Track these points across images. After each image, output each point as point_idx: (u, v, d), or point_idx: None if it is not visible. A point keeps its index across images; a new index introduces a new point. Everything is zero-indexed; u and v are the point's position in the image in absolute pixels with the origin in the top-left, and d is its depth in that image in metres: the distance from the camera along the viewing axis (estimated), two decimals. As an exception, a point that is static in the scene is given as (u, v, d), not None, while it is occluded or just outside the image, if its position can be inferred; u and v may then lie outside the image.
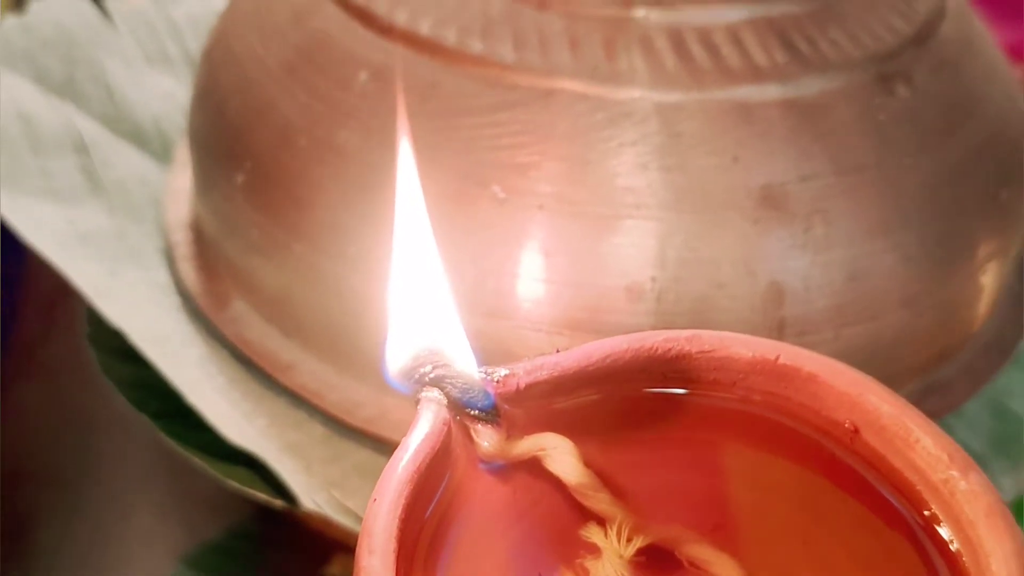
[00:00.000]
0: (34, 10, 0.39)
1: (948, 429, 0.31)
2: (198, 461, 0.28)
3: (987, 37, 0.33)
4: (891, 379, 0.20)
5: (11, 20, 0.38)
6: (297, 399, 0.29)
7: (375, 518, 0.17)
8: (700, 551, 0.19)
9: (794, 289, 0.26)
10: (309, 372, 0.29)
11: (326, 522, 0.30)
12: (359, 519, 0.27)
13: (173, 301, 0.32)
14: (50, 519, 0.55)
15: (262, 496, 0.27)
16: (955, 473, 0.18)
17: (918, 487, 0.18)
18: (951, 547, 0.18)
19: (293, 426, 0.29)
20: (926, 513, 0.18)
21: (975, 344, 0.31)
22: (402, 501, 0.18)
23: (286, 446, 0.28)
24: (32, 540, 0.54)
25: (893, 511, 0.19)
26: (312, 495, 0.27)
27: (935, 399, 0.29)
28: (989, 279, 0.30)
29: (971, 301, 0.30)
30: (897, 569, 0.18)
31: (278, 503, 0.27)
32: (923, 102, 0.28)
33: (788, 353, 0.20)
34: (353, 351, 0.28)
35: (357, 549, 0.17)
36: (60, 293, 0.66)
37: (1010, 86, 0.32)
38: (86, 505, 0.56)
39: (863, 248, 0.27)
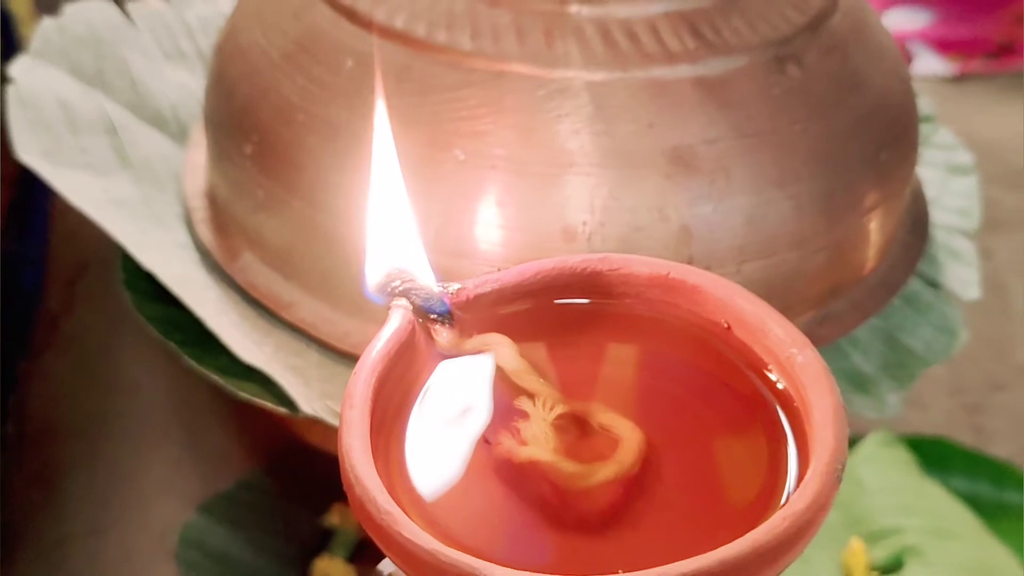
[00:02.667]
0: (68, 12, 0.44)
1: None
2: (216, 378, 0.33)
3: (879, 27, 0.38)
4: (789, 308, 0.24)
5: (48, 21, 0.43)
6: (297, 331, 0.34)
7: (355, 385, 0.22)
8: (607, 418, 0.22)
9: (700, 231, 0.31)
10: (307, 309, 0.34)
11: (324, 436, 0.35)
12: None
13: (192, 256, 0.37)
14: (76, 470, 0.59)
15: (269, 404, 0.32)
16: (795, 351, 0.22)
17: (770, 364, 0.23)
18: (793, 404, 0.22)
19: (294, 353, 0.34)
20: (775, 380, 0.23)
21: (866, 283, 0.36)
22: (375, 374, 0.22)
23: (288, 368, 0.33)
24: (60, 489, 0.58)
25: (753, 385, 0.23)
26: (311, 404, 0.32)
27: (828, 326, 0.34)
28: (874, 227, 0.35)
29: (858, 245, 0.35)
30: (755, 425, 0.22)
31: (282, 411, 0.32)
32: (812, 79, 0.33)
33: (677, 270, 0.24)
34: (343, 289, 0.33)
35: (341, 407, 0.22)
36: (78, 272, 0.71)
37: (895, 68, 0.37)
38: (108, 458, 0.60)
39: (759, 198, 0.32)
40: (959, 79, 0.95)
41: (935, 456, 0.58)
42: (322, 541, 0.53)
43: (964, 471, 0.58)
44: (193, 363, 0.33)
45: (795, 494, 0.20)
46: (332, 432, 0.35)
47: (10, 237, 0.69)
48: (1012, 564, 0.53)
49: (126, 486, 0.59)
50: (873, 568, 0.50)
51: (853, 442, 0.57)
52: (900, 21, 1.02)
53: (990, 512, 0.56)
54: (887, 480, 0.55)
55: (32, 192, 0.72)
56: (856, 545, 0.50)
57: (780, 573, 0.20)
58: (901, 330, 0.37)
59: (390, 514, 0.20)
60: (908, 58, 0.96)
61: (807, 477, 0.20)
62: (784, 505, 0.20)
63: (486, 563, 0.19)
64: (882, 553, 0.51)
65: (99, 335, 0.66)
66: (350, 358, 0.33)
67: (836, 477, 0.20)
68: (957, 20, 1.01)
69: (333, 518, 0.54)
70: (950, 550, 0.51)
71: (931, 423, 0.63)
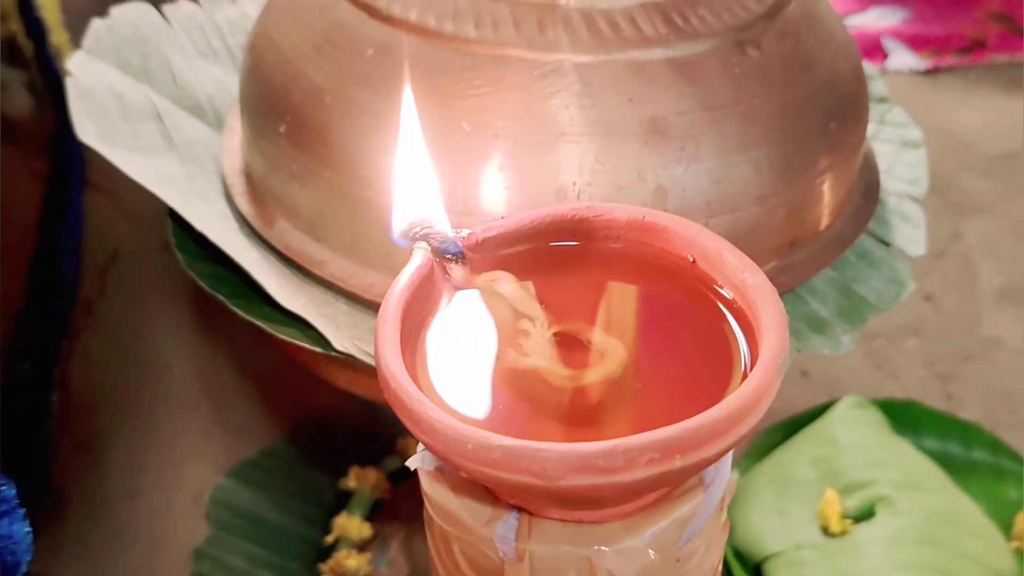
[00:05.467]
0: (114, 13, 0.48)
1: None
2: (260, 323, 0.37)
3: (830, 15, 0.41)
4: (752, 259, 0.26)
5: (98, 21, 0.47)
6: (327, 285, 0.38)
7: (386, 307, 0.25)
8: (596, 336, 0.26)
9: (674, 190, 0.35)
10: (336, 265, 0.37)
11: (351, 378, 0.39)
12: (374, 358, 0.35)
13: (232, 225, 0.40)
14: (114, 440, 0.62)
15: (307, 344, 0.36)
16: (746, 275, 0.26)
17: (726, 287, 0.26)
18: (746, 316, 0.26)
19: (324, 304, 0.37)
20: (731, 298, 0.26)
21: (822, 239, 0.40)
22: (403, 300, 0.25)
23: (320, 316, 0.37)
24: (101, 457, 0.62)
25: (713, 304, 0.27)
26: (342, 343, 0.36)
27: (788, 275, 0.38)
28: (827, 188, 0.39)
29: (813, 204, 0.38)
30: (715, 334, 0.26)
31: (318, 349, 0.36)
32: (769, 60, 0.37)
33: (650, 214, 0.28)
34: (368, 247, 0.37)
35: (376, 326, 0.26)
36: (110, 260, 0.75)
37: (844, 51, 0.40)
38: (145, 427, 0.63)
39: (724, 161, 0.35)
40: (932, 73, 0.99)
41: (907, 418, 0.62)
42: (340, 502, 0.57)
43: (935, 432, 0.62)
44: (240, 312, 0.37)
45: (745, 381, 0.24)
46: (358, 376, 0.39)
47: (47, 228, 0.73)
48: (976, 512, 0.56)
49: (161, 453, 0.62)
50: (846, 516, 0.54)
51: (829, 406, 0.61)
52: (875, 19, 1.06)
53: (960, 470, 0.59)
54: (860, 438, 0.58)
55: (65, 187, 0.76)
56: (831, 495, 0.54)
57: (736, 441, 0.23)
58: (855, 282, 0.41)
59: (419, 400, 0.23)
60: (883, 54, 1.00)
61: (755, 368, 0.24)
62: (737, 389, 0.24)
63: (498, 435, 0.23)
64: (855, 503, 0.54)
65: (131, 317, 0.70)
66: (374, 306, 0.37)
67: (779, 369, 0.24)
68: (932, 18, 1.05)
69: (350, 481, 0.57)
70: (918, 500, 0.54)
71: (906, 391, 0.67)
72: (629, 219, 0.28)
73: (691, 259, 0.28)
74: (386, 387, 0.24)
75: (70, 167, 0.76)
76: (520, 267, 0.28)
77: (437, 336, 0.27)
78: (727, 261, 0.27)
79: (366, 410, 0.62)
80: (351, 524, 0.55)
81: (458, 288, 0.27)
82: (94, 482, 0.60)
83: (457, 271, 0.27)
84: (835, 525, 0.52)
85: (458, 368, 0.26)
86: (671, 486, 0.25)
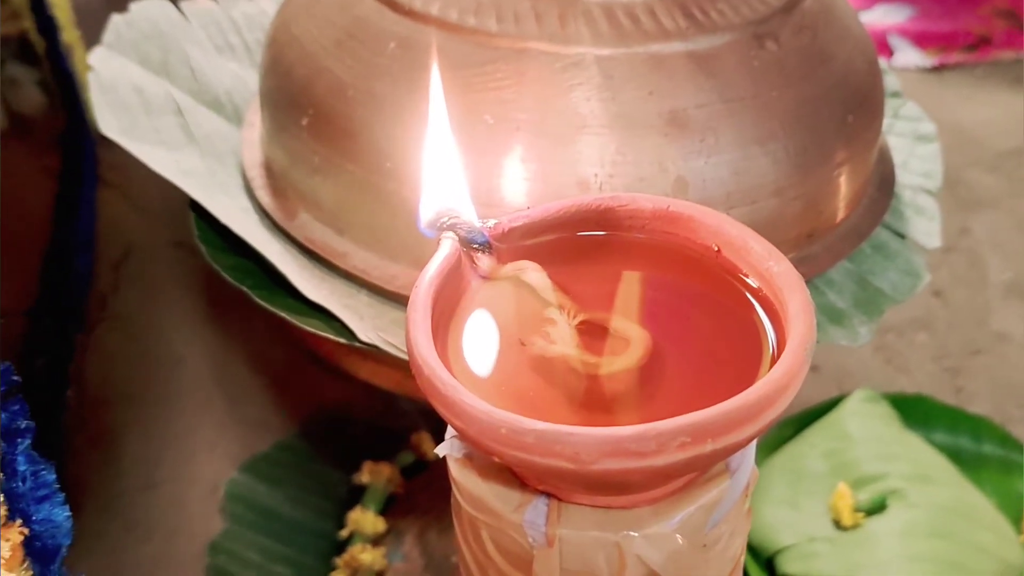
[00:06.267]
0: (133, 9, 0.48)
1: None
2: (284, 314, 0.37)
3: (846, 10, 0.42)
4: None
5: (117, 17, 0.47)
6: (349, 277, 0.38)
7: (416, 295, 0.25)
8: (619, 324, 0.26)
9: (694, 181, 0.35)
10: (358, 257, 0.38)
11: (373, 370, 0.39)
12: (398, 348, 0.36)
13: (253, 218, 0.41)
14: (131, 433, 0.63)
15: (331, 335, 0.36)
16: (771, 263, 0.26)
17: (752, 275, 0.27)
18: (772, 304, 0.26)
19: (347, 295, 0.37)
20: (756, 287, 0.26)
21: (838, 231, 0.40)
22: (432, 288, 0.25)
23: (343, 307, 0.37)
24: (117, 451, 0.62)
25: (739, 292, 0.27)
26: (366, 333, 0.36)
27: (806, 266, 0.38)
28: (843, 180, 0.39)
29: (830, 196, 0.39)
30: (742, 322, 0.26)
31: (341, 340, 0.36)
32: (787, 54, 0.37)
33: (675, 204, 0.28)
34: (389, 240, 0.37)
35: (407, 312, 0.26)
36: (123, 255, 0.76)
37: (860, 45, 0.41)
38: (159, 421, 0.64)
39: (743, 153, 0.36)
40: (939, 69, 0.99)
41: (917, 412, 0.62)
42: (354, 496, 0.58)
43: (945, 426, 0.62)
44: (264, 303, 0.37)
45: (775, 365, 0.24)
46: (380, 367, 0.40)
47: (60, 224, 0.74)
48: (987, 505, 0.57)
49: (176, 447, 0.62)
50: (858, 509, 0.54)
51: (840, 400, 0.61)
52: (882, 16, 1.06)
53: (971, 464, 0.60)
54: (871, 431, 0.59)
55: (78, 183, 0.76)
56: (843, 489, 0.54)
57: (765, 425, 0.23)
58: (871, 273, 0.41)
59: (452, 386, 0.24)
60: (889, 51, 1.01)
61: (784, 352, 0.24)
62: (768, 373, 0.24)
63: (530, 419, 0.23)
64: (867, 496, 0.55)
65: (144, 312, 0.71)
66: (396, 298, 0.37)
67: (807, 354, 0.24)
68: (938, 15, 1.06)
69: (364, 476, 0.58)
70: (930, 493, 0.54)
71: (916, 385, 0.67)
72: (654, 209, 0.28)
73: (716, 248, 0.28)
74: (419, 374, 0.24)
75: (82, 163, 0.77)
76: (546, 257, 0.28)
77: (465, 324, 0.27)
78: (752, 249, 0.27)
79: (379, 405, 0.62)
80: (365, 518, 0.55)
81: (485, 277, 0.27)
82: (110, 476, 0.60)
83: (484, 260, 0.27)
84: (847, 518, 0.52)
85: (486, 355, 0.26)
86: (700, 471, 0.26)
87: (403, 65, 0.36)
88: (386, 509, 0.57)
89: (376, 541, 0.55)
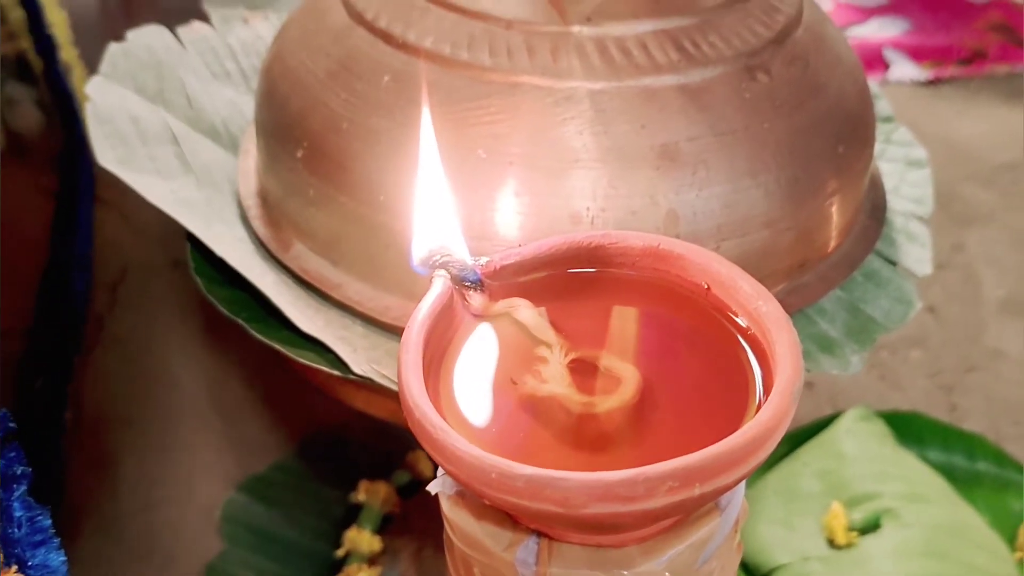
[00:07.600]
0: (130, 37, 0.48)
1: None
2: (278, 347, 0.37)
3: (838, 39, 0.42)
4: (762, 280, 0.27)
5: (114, 46, 0.47)
6: (344, 308, 0.38)
7: (408, 336, 0.25)
8: (610, 362, 0.27)
9: (685, 214, 0.35)
10: (352, 289, 0.38)
11: (368, 400, 0.39)
12: (392, 381, 0.36)
13: (249, 248, 0.41)
14: (128, 455, 0.63)
15: (325, 367, 0.37)
16: (760, 303, 0.26)
17: (740, 314, 0.27)
18: (760, 344, 0.26)
19: (342, 327, 0.38)
20: (745, 326, 0.27)
21: (829, 260, 0.40)
22: (424, 328, 0.25)
23: (337, 339, 0.37)
24: (114, 472, 0.62)
25: (728, 331, 0.27)
26: (360, 366, 0.36)
27: (797, 296, 0.38)
28: (835, 210, 0.39)
29: (821, 226, 0.39)
30: (730, 362, 0.26)
31: (335, 372, 0.36)
32: (778, 85, 0.37)
33: (665, 241, 0.28)
34: (384, 271, 0.37)
35: (399, 353, 0.26)
36: (119, 276, 0.76)
37: (852, 74, 0.41)
38: (156, 444, 0.64)
39: (734, 186, 0.36)
40: (934, 83, 0.99)
41: (911, 430, 0.62)
42: (350, 516, 0.58)
43: (939, 444, 0.62)
44: (259, 336, 0.38)
45: (762, 409, 0.24)
46: (375, 397, 0.40)
47: (57, 244, 0.74)
48: (981, 524, 0.57)
49: (173, 468, 0.62)
50: (852, 529, 0.54)
51: (834, 418, 0.61)
52: (877, 30, 1.07)
53: (965, 481, 0.60)
54: (865, 450, 0.59)
55: (75, 203, 0.76)
56: (836, 508, 0.54)
57: (752, 468, 0.24)
58: (863, 301, 0.41)
59: (443, 430, 0.24)
60: (885, 65, 1.01)
61: (771, 395, 0.24)
62: (754, 417, 0.24)
63: (521, 464, 0.23)
64: (861, 516, 0.55)
65: (141, 334, 0.71)
66: (391, 330, 0.37)
67: (794, 396, 0.25)
68: (933, 29, 1.06)
69: (360, 495, 0.58)
70: (924, 512, 0.54)
71: (910, 402, 0.67)
72: (644, 247, 0.28)
73: (705, 286, 0.28)
74: (410, 416, 0.25)
75: (79, 183, 0.77)
76: (537, 294, 0.28)
77: (457, 363, 0.27)
78: (741, 289, 0.27)
79: (375, 425, 0.62)
80: (361, 538, 0.55)
81: (477, 315, 0.27)
82: (107, 497, 0.60)
83: (476, 298, 0.27)
84: (841, 537, 0.53)
85: (478, 395, 0.26)
86: (689, 512, 0.26)
87: (398, 99, 0.36)
88: (382, 529, 0.57)
89: (372, 560, 0.55)
